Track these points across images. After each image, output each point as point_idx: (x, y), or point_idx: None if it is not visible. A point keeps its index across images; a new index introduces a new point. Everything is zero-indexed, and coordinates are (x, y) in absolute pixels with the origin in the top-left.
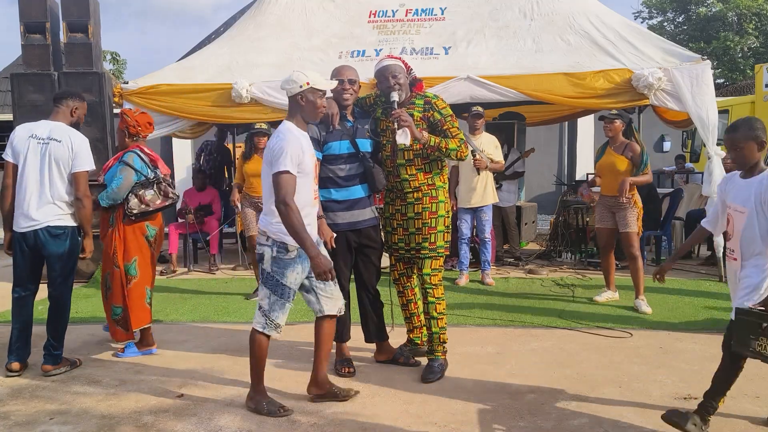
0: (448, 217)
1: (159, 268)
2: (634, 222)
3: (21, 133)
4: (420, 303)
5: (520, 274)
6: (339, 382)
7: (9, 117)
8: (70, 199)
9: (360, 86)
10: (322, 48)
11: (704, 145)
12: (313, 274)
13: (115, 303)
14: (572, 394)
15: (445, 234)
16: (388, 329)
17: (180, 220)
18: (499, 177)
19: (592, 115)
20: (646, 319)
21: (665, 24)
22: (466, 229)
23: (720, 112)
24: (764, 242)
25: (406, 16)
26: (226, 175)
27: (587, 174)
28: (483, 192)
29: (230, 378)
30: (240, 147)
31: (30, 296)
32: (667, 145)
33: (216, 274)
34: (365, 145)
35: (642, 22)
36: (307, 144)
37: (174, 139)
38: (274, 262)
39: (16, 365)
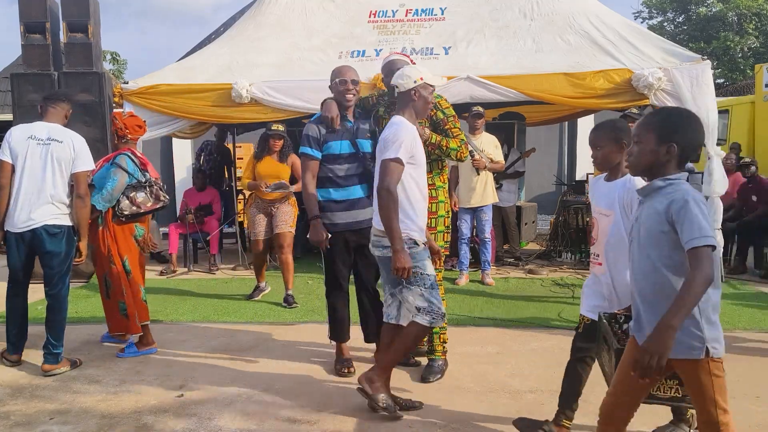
0: (448, 217)
1: (159, 268)
2: None
3: (18, 134)
4: None
5: (520, 274)
6: (339, 381)
7: (9, 117)
8: (68, 200)
9: (361, 86)
10: (322, 48)
11: (704, 145)
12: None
13: (120, 299)
14: None
15: (445, 234)
16: None
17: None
18: (500, 176)
19: (592, 115)
20: None
21: (665, 24)
22: (466, 229)
23: (720, 112)
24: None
25: (406, 16)
26: (226, 175)
27: (587, 174)
28: (483, 192)
29: (230, 378)
30: (240, 147)
31: (24, 292)
32: None
33: (216, 274)
34: (365, 145)
35: (642, 22)
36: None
37: (174, 139)
38: (411, 258)
39: (16, 356)
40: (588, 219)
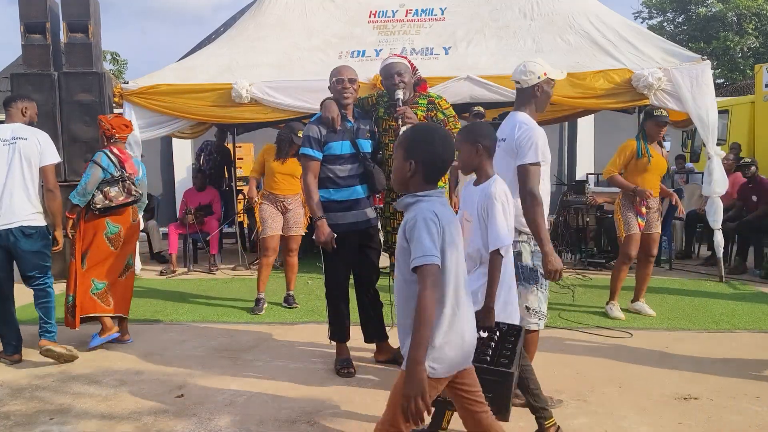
0: None
1: (159, 268)
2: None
3: None
4: None
5: None
6: (339, 381)
7: None
8: (40, 197)
9: (359, 86)
10: (322, 48)
11: (704, 145)
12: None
13: (69, 292)
14: (572, 394)
15: None
16: (387, 329)
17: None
18: None
19: (592, 115)
20: (646, 319)
21: (665, 24)
22: None
23: (720, 112)
24: (486, 251)
25: (406, 16)
26: (226, 175)
27: (587, 174)
28: None
29: (230, 378)
30: (240, 147)
31: (11, 292)
32: (667, 145)
33: (216, 274)
34: (366, 145)
35: (642, 22)
36: None
37: (174, 139)
38: (535, 256)
39: (17, 356)
40: (588, 219)
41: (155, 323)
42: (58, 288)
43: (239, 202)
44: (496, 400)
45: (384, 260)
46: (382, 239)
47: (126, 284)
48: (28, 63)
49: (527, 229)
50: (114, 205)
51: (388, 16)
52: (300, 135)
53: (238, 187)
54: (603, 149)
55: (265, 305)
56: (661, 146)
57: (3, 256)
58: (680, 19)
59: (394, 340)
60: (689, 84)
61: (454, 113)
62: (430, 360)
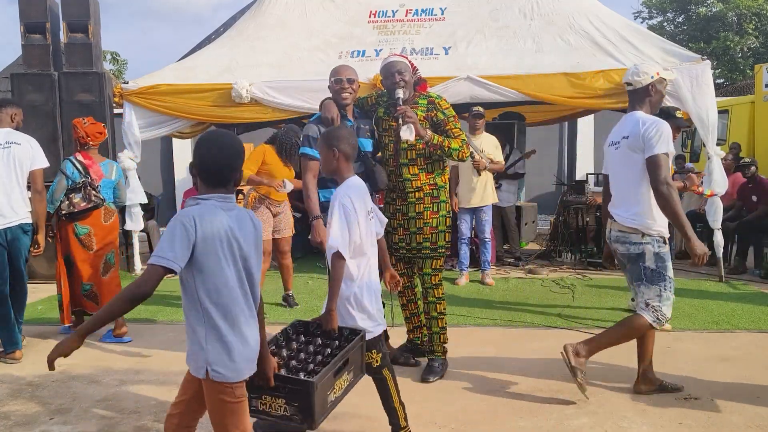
0: (449, 217)
1: None
2: None
3: None
4: (420, 303)
5: (520, 274)
6: None
7: None
8: (29, 198)
9: (359, 85)
10: (322, 48)
11: (704, 145)
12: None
13: (58, 291)
14: (572, 394)
15: (446, 234)
16: (387, 328)
17: None
18: (500, 177)
19: (592, 115)
20: None
21: (665, 24)
22: (465, 229)
23: (720, 112)
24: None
25: (406, 16)
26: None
27: (587, 174)
28: (483, 192)
29: None
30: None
31: (8, 289)
32: None
33: None
34: (366, 144)
35: (642, 22)
36: None
37: (174, 139)
38: (658, 258)
39: (19, 353)
40: (588, 219)
41: (155, 323)
42: (48, 289)
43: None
44: (302, 409)
45: None
46: None
47: (110, 282)
48: (28, 63)
49: (653, 231)
50: (76, 211)
51: (388, 16)
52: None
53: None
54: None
55: None
56: None
57: (3, 253)
58: (680, 19)
59: (394, 340)
60: (689, 84)
61: (454, 113)
62: (215, 364)
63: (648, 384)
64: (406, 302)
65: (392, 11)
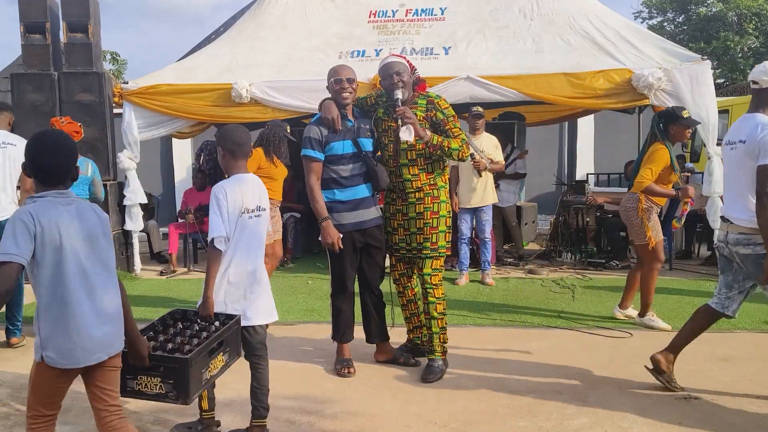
0: (449, 217)
1: (159, 268)
2: None
3: None
4: (420, 303)
5: (520, 274)
6: (339, 381)
7: None
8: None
9: (358, 85)
10: (322, 48)
11: (704, 145)
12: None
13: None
14: (572, 394)
15: (447, 234)
16: (388, 329)
17: (180, 221)
18: (499, 177)
19: (592, 115)
20: None
21: (665, 24)
22: (466, 229)
23: (720, 112)
24: None
25: (406, 16)
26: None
27: (587, 174)
28: (483, 192)
29: (230, 378)
30: None
31: None
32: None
33: None
34: (367, 144)
35: (642, 22)
36: None
37: (174, 139)
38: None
39: (15, 339)
40: (588, 219)
41: None
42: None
43: None
44: (176, 385)
45: (386, 260)
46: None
47: None
48: (28, 63)
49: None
50: None
51: (388, 16)
52: (288, 129)
53: None
54: (603, 149)
55: None
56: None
57: None
58: (680, 19)
59: (394, 340)
60: (689, 84)
61: (453, 113)
62: (38, 347)
63: (668, 362)
64: (406, 302)
65: (392, 11)
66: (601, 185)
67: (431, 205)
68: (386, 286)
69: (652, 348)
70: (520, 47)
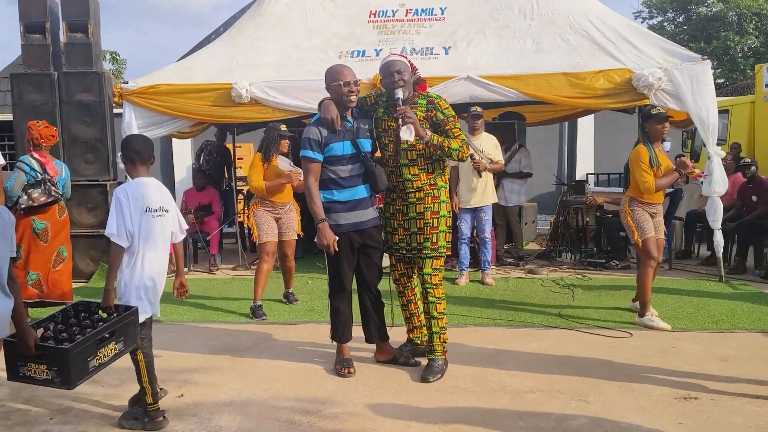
0: (449, 217)
1: None
2: None
3: None
4: (420, 303)
5: (520, 274)
6: (339, 381)
7: (9, 117)
8: None
9: (360, 85)
10: (322, 48)
11: (704, 145)
12: None
13: None
14: (572, 394)
15: (447, 234)
16: (387, 329)
17: None
18: (504, 175)
19: (592, 115)
20: None
21: (665, 24)
22: (466, 229)
23: (720, 112)
24: None
25: (406, 16)
26: (226, 175)
27: (587, 174)
28: (483, 192)
29: (230, 378)
30: (240, 147)
31: None
32: (667, 145)
33: (216, 274)
34: (366, 145)
35: (642, 22)
36: None
37: (174, 139)
38: None
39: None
40: (588, 219)
41: (155, 323)
42: None
43: (239, 202)
44: (61, 373)
45: (385, 260)
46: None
47: (61, 273)
48: (28, 63)
49: None
50: (36, 205)
51: (388, 16)
52: (283, 128)
53: (238, 187)
54: (603, 149)
55: (264, 317)
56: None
57: None
58: (680, 18)
59: (394, 340)
60: (689, 84)
61: (453, 113)
62: None
63: None
64: (406, 302)
65: (392, 11)
66: (601, 185)
67: (431, 205)
68: (385, 285)
69: (652, 348)
70: (520, 47)
